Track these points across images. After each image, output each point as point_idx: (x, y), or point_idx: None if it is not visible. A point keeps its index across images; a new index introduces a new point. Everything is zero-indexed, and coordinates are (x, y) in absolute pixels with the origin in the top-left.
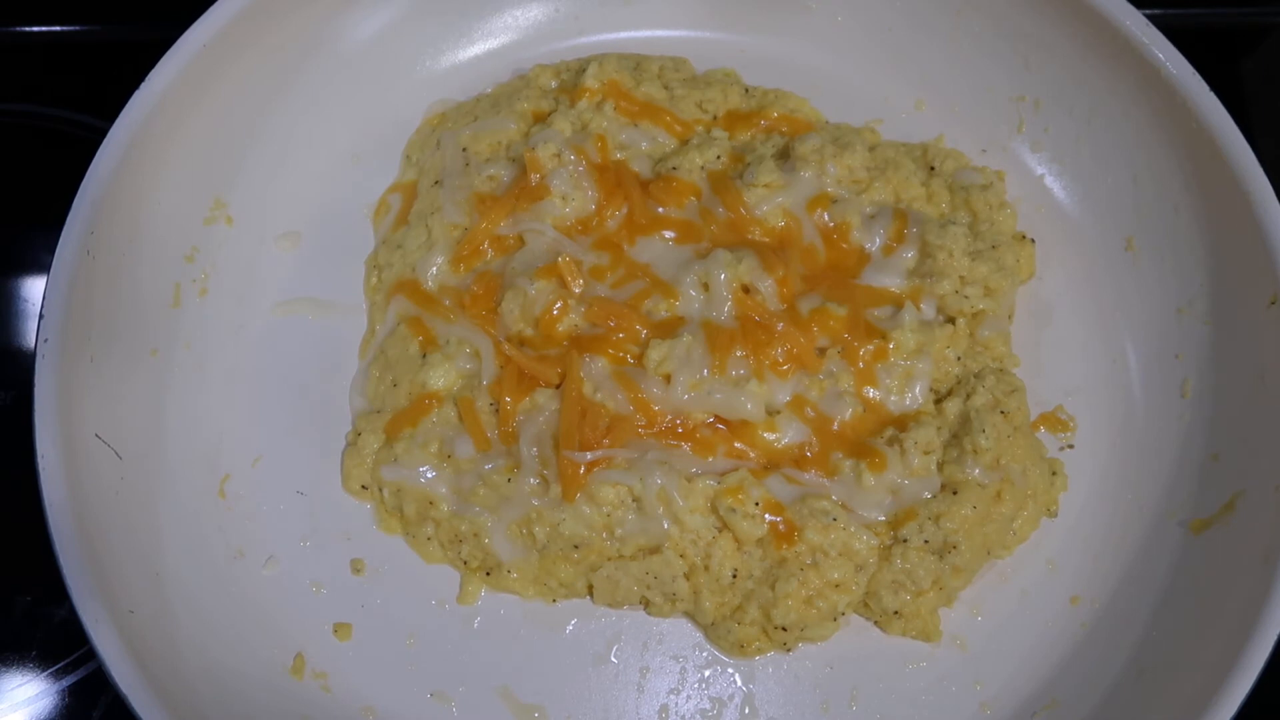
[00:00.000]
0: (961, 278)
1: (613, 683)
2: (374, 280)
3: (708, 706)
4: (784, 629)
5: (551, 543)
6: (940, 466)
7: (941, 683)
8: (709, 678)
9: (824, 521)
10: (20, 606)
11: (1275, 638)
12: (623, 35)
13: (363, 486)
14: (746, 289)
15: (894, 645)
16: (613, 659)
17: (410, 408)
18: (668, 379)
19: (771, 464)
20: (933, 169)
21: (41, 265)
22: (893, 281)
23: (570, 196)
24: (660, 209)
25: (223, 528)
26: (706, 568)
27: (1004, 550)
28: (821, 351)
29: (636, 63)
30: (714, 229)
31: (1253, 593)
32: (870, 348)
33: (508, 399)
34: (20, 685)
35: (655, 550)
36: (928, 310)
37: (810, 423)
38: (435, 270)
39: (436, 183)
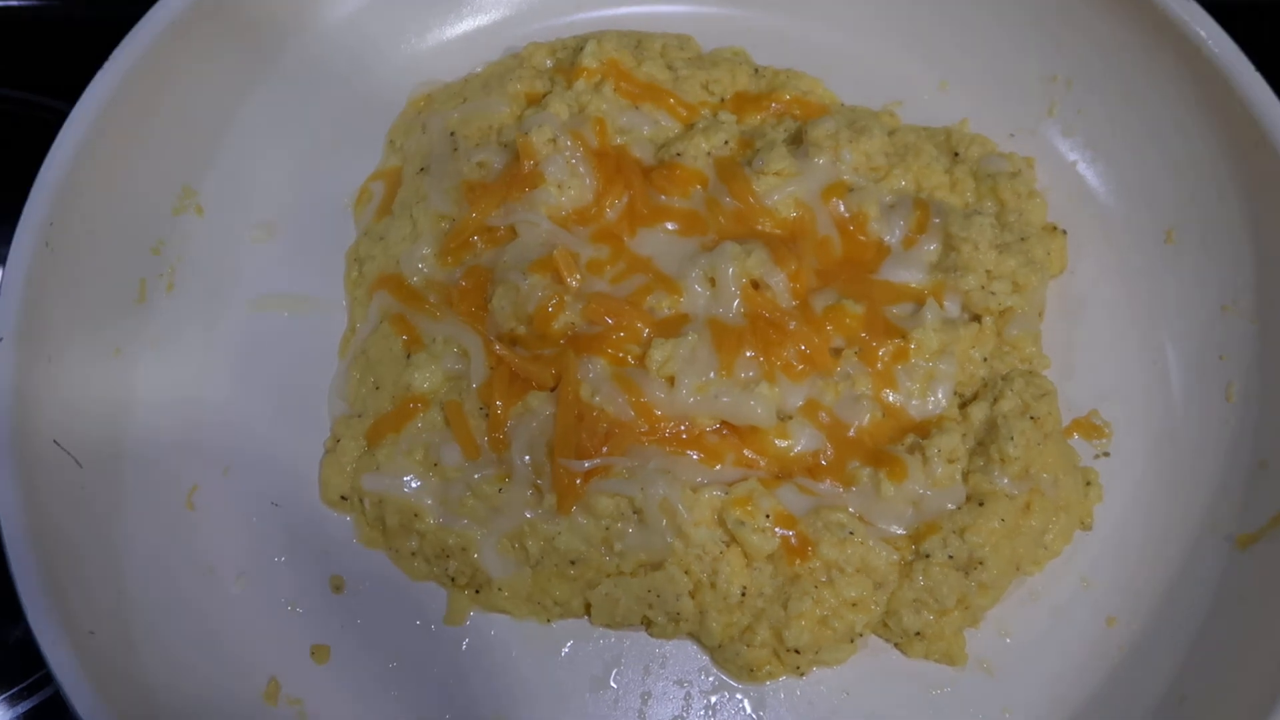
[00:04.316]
0: (988, 272)
1: (612, 709)
2: (355, 274)
3: None
4: (797, 651)
5: (546, 558)
6: (965, 476)
7: (967, 710)
8: (716, 704)
9: (840, 535)
10: None
11: None
12: (623, 11)
13: (342, 497)
14: (756, 284)
15: (915, 669)
16: (612, 684)
17: (393, 412)
18: (671, 381)
19: (783, 473)
20: (957, 155)
21: None
22: (913, 276)
23: (566, 184)
24: (663, 198)
25: (191, 542)
26: (713, 585)
27: (1034, 566)
28: (837, 352)
29: (638, 40)
30: (721, 220)
31: None
32: (889, 348)
33: (498, 403)
34: None
35: (658, 566)
36: (951, 307)
37: (825, 428)
38: (421, 264)
39: (422, 170)
